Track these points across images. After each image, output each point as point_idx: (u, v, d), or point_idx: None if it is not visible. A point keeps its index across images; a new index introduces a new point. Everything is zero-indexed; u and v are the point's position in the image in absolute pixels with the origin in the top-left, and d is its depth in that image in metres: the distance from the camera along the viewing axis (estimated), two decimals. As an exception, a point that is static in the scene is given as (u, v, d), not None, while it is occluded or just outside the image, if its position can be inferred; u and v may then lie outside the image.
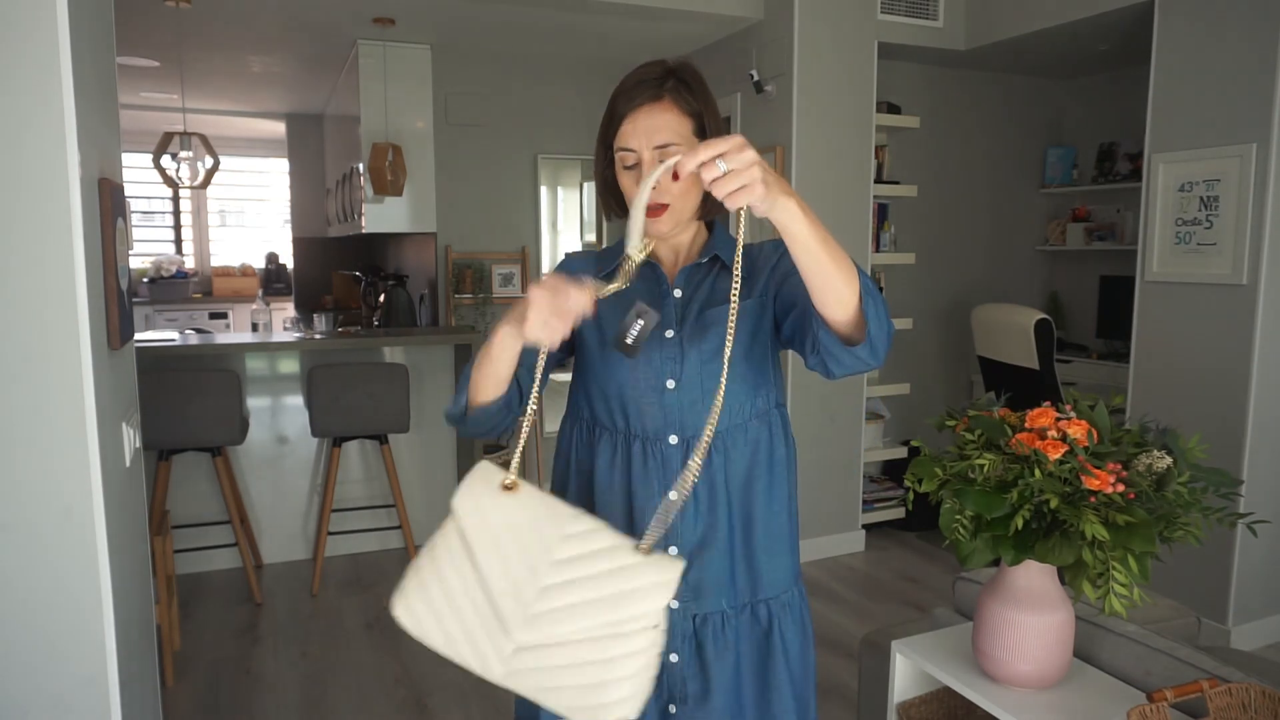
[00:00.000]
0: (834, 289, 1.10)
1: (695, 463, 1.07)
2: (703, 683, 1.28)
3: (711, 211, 1.32)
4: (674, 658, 1.27)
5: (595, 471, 1.31)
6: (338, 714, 2.84)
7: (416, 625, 1.08)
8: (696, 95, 1.27)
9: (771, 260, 1.32)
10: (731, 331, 1.08)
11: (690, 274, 1.34)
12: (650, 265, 1.33)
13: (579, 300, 1.05)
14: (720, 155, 0.98)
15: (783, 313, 1.29)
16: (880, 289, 4.46)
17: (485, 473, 1.10)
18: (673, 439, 1.27)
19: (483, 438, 1.41)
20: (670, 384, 1.27)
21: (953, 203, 4.99)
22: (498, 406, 1.24)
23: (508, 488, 1.09)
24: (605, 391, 1.29)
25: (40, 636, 1.54)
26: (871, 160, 4.20)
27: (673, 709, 1.28)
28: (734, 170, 0.98)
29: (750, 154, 0.99)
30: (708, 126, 1.27)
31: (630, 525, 1.27)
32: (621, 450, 1.29)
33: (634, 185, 1.26)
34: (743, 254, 1.17)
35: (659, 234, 1.28)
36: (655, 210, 1.25)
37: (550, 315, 1.03)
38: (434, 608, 1.07)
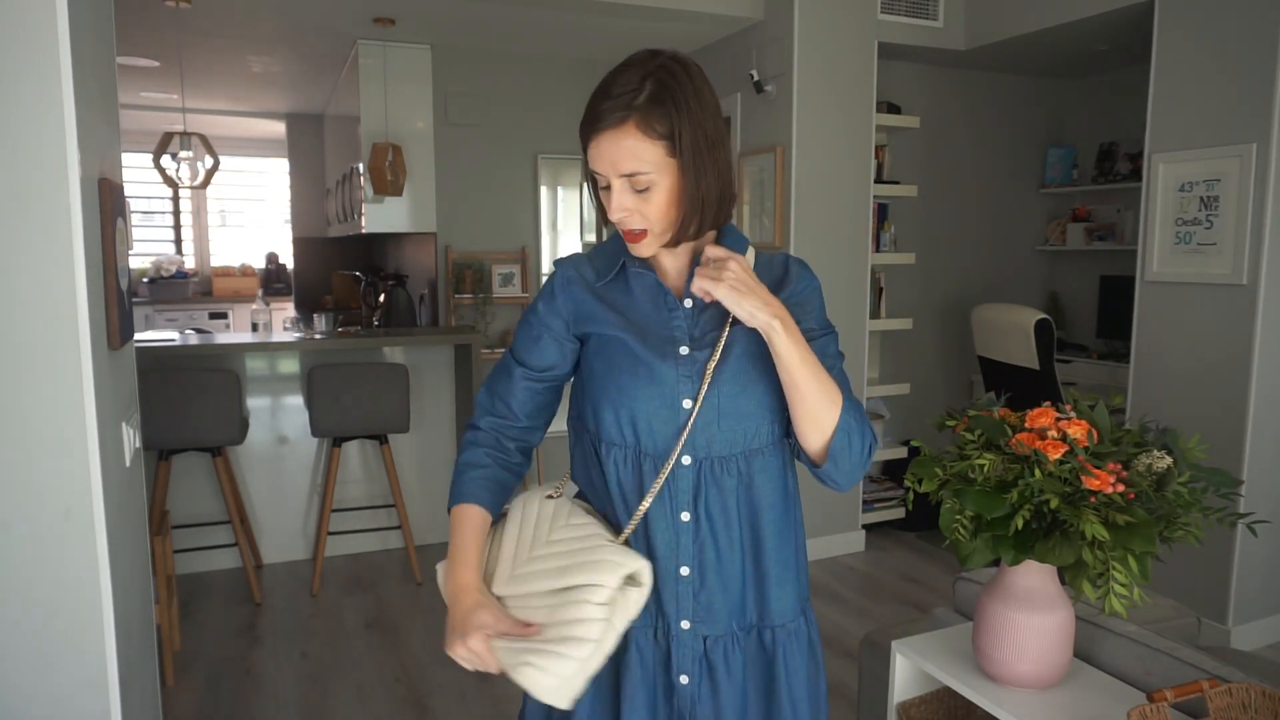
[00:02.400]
0: (811, 416, 1.18)
1: (661, 478, 1.20)
2: (714, 706, 1.25)
3: (703, 228, 1.22)
4: (684, 679, 1.25)
5: (607, 486, 1.26)
6: (338, 714, 2.84)
7: (441, 583, 1.26)
8: (672, 109, 1.14)
9: (796, 303, 1.25)
10: (720, 349, 1.20)
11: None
12: (655, 280, 1.26)
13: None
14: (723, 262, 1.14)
15: None
16: (881, 289, 4.46)
17: (540, 488, 1.32)
18: (686, 460, 1.22)
19: None
20: (686, 404, 1.21)
21: (953, 203, 4.99)
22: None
23: (550, 496, 1.28)
24: (615, 406, 1.23)
25: (40, 636, 1.54)
26: (871, 160, 4.20)
27: None
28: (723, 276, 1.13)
29: (738, 269, 1.13)
30: (684, 144, 1.15)
31: (646, 544, 1.23)
32: (632, 466, 1.24)
33: (608, 205, 1.19)
34: (765, 271, 1.27)
35: (641, 255, 1.23)
36: (634, 236, 1.20)
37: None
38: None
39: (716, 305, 1.22)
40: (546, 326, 1.29)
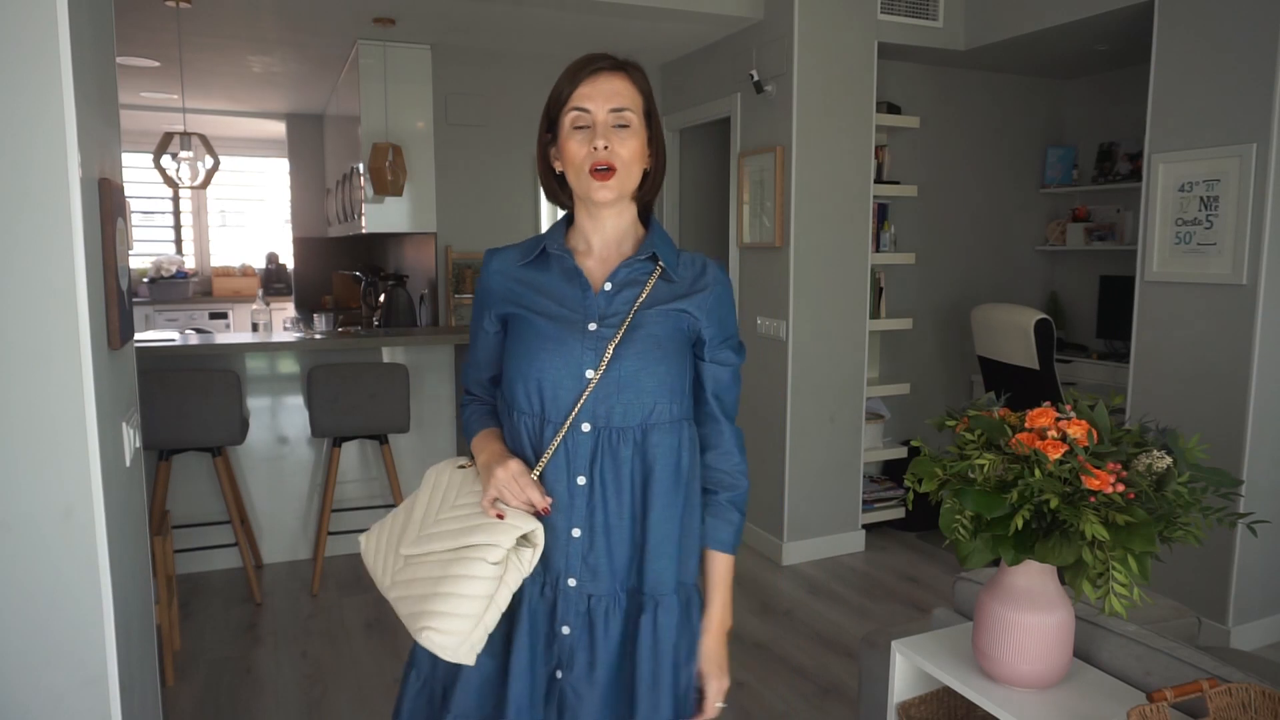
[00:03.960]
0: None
1: (558, 437, 1.30)
2: (589, 656, 1.34)
3: (649, 193, 1.39)
4: (565, 629, 1.34)
5: (521, 453, 1.36)
6: (338, 714, 2.84)
7: (367, 554, 1.42)
8: (647, 84, 1.37)
9: (709, 308, 1.38)
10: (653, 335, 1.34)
11: (628, 269, 1.37)
12: (572, 263, 1.37)
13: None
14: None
15: (695, 382, 1.41)
16: (881, 289, 4.47)
17: (453, 459, 1.44)
18: (585, 426, 1.31)
19: None
20: (589, 374, 1.31)
21: (953, 203, 4.99)
22: None
23: (461, 467, 1.41)
24: (525, 376, 1.33)
25: (40, 636, 1.54)
26: (871, 160, 4.20)
27: (559, 674, 1.34)
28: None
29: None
30: (653, 116, 1.37)
31: (568, 503, 1.33)
32: (532, 433, 1.34)
33: (579, 147, 1.31)
34: (686, 267, 1.39)
35: (602, 200, 1.32)
36: (602, 174, 1.30)
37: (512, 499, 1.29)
38: (375, 537, 1.43)
39: (628, 289, 1.36)
40: (485, 331, 1.44)
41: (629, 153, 1.31)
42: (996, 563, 1.51)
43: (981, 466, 1.41)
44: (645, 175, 1.37)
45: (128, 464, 1.81)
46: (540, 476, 1.32)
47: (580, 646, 1.34)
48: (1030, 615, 1.45)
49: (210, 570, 4.03)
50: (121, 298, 1.76)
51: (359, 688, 3.00)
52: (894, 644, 1.72)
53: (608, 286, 1.35)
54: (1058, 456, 1.35)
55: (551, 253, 1.38)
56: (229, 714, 2.84)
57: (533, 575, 1.32)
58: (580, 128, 1.32)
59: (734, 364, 1.41)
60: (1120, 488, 1.32)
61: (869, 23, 4.10)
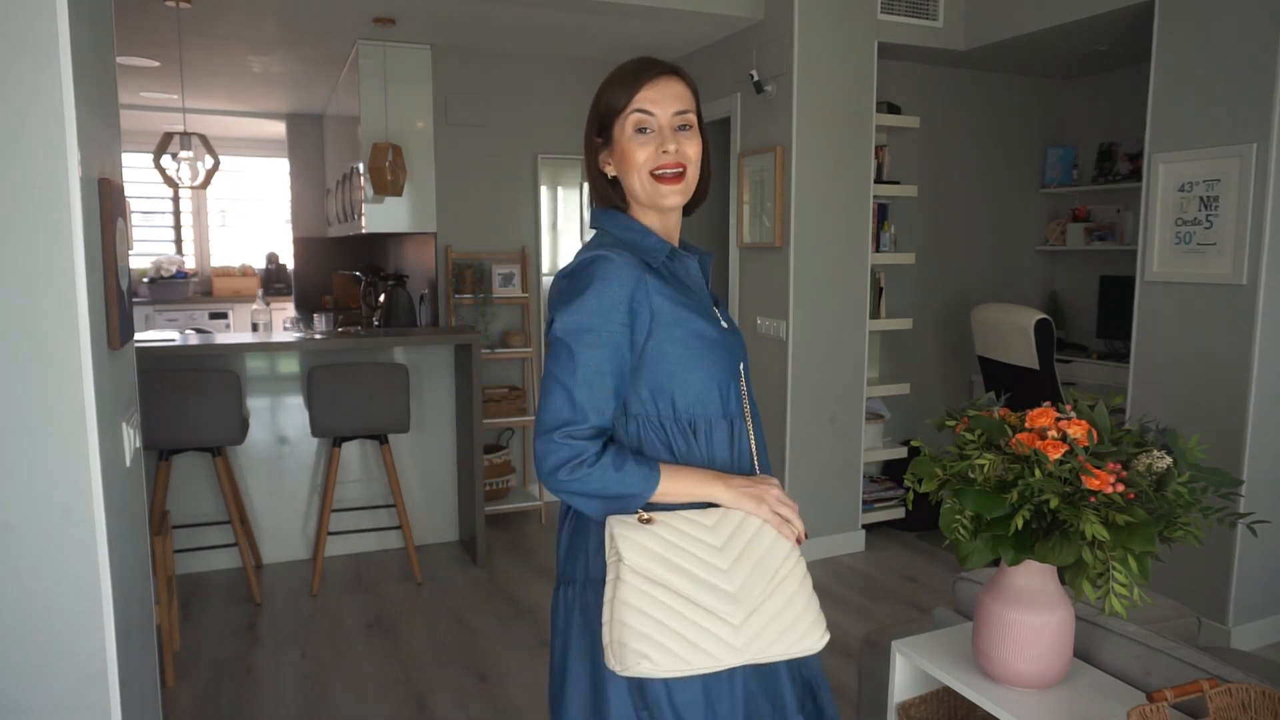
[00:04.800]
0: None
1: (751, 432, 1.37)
2: None
3: (699, 196, 1.42)
4: None
5: (712, 458, 1.33)
6: (338, 714, 2.84)
7: (654, 668, 1.18)
8: (695, 88, 1.40)
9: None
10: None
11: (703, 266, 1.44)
12: (693, 259, 1.40)
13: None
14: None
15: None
16: (881, 289, 4.47)
17: (622, 523, 1.24)
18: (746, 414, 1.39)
19: None
20: (741, 366, 1.39)
21: (953, 203, 4.99)
22: None
23: (645, 521, 1.24)
24: (720, 380, 1.33)
25: (40, 636, 1.54)
26: (871, 160, 4.20)
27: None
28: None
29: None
30: (702, 118, 1.39)
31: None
32: (725, 435, 1.35)
33: (643, 150, 1.31)
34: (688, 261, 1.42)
35: (671, 205, 1.34)
36: (672, 178, 1.32)
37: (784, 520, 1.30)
38: (656, 642, 1.18)
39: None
40: (628, 352, 1.26)
41: (695, 151, 1.34)
42: (996, 563, 1.51)
43: (981, 466, 1.41)
44: (702, 174, 1.40)
45: (128, 464, 1.81)
46: (760, 469, 1.40)
47: None
48: (1030, 615, 1.45)
49: (210, 570, 4.03)
50: (121, 298, 1.76)
51: (359, 688, 3.00)
52: (894, 644, 1.72)
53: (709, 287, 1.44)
54: (1058, 456, 1.35)
55: (679, 256, 1.37)
56: (229, 714, 2.84)
57: None
58: (643, 130, 1.32)
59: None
60: (1120, 488, 1.32)
61: (869, 23, 4.10)
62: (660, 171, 1.31)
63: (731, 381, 1.35)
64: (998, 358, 4.37)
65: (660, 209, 1.35)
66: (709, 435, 1.33)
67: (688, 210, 1.42)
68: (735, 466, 1.35)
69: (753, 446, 1.38)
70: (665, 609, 1.19)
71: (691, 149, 1.33)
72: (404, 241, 6.00)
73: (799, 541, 1.31)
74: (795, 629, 1.23)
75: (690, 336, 1.29)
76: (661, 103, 1.31)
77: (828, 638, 1.27)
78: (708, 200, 1.45)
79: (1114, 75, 4.91)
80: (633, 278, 1.26)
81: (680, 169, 1.32)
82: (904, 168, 4.75)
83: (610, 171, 1.37)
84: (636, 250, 1.32)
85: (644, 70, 1.33)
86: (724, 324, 1.38)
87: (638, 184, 1.32)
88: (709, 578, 1.22)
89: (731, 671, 1.27)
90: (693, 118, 1.34)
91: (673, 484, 1.26)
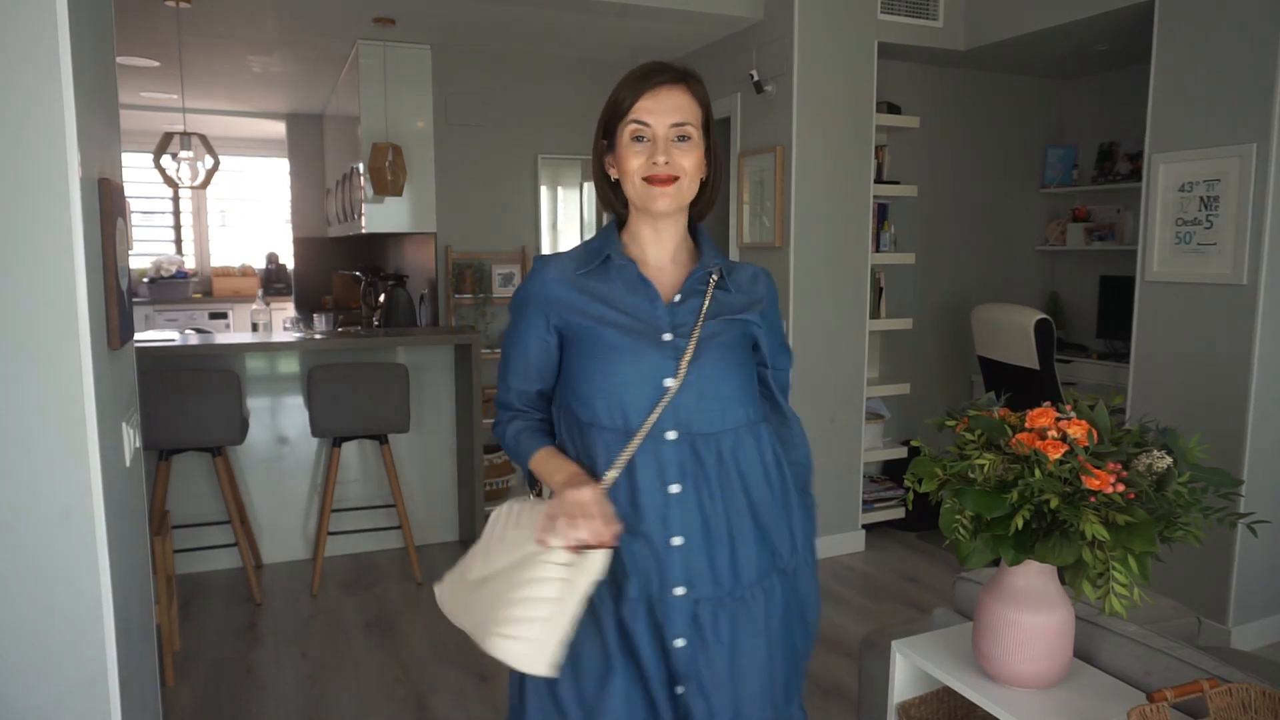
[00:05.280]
0: None
1: (633, 445, 1.30)
2: (706, 660, 1.33)
3: (704, 206, 1.42)
4: (680, 642, 1.32)
5: (596, 470, 1.34)
6: (338, 714, 2.84)
7: (442, 601, 1.42)
8: (706, 96, 1.39)
9: (766, 316, 1.45)
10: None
11: (693, 280, 1.39)
12: (638, 273, 1.38)
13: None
14: None
15: (766, 386, 1.48)
16: (881, 289, 4.47)
17: (520, 498, 1.43)
18: (671, 434, 1.32)
19: None
20: (668, 382, 1.32)
21: (953, 203, 4.99)
22: None
23: (538, 495, 1.42)
24: (604, 388, 1.33)
25: (40, 636, 1.54)
26: (871, 160, 4.20)
27: (679, 689, 1.34)
28: None
29: None
30: (710, 129, 1.38)
31: (637, 516, 1.32)
32: (612, 446, 1.33)
33: (637, 159, 1.32)
34: (739, 278, 1.42)
35: (661, 209, 1.34)
36: (664, 180, 1.32)
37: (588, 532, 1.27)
38: (447, 582, 1.42)
39: (692, 299, 1.36)
40: (538, 341, 1.41)
41: (691, 163, 1.34)
42: (996, 563, 1.51)
43: (981, 466, 1.41)
44: (702, 187, 1.39)
45: (128, 464, 1.81)
46: (634, 487, 1.32)
47: (697, 655, 1.33)
48: (1030, 615, 1.45)
49: (210, 570, 4.03)
50: (121, 298, 1.76)
51: (359, 688, 3.00)
52: (894, 644, 1.72)
53: (677, 298, 1.37)
54: (1058, 456, 1.35)
55: (615, 262, 1.38)
56: (229, 714, 2.84)
57: (635, 592, 1.31)
58: (639, 139, 1.33)
59: (788, 366, 1.50)
60: (1120, 488, 1.32)
61: (869, 23, 4.10)
62: (653, 176, 1.32)
63: (637, 393, 1.30)
64: (998, 358, 4.37)
65: (650, 212, 1.35)
66: (586, 439, 1.35)
67: (696, 218, 1.42)
68: (622, 480, 1.33)
69: (623, 466, 1.31)
70: (463, 561, 1.42)
71: (687, 160, 1.33)
72: (404, 241, 6.00)
73: (579, 549, 1.26)
74: (489, 623, 1.26)
75: (591, 341, 1.34)
76: (658, 113, 1.31)
77: (503, 649, 1.22)
78: (708, 200, 1.45)
79: (1114, 75, 4.91)
80: (540, 281, 1.39)
81: (671, 176, 1.32)
82: (904, 168, 4.75)
83: (614, 174, 1.39)
84: (584, 253, 1.41)
85: (647, 77, 1.33)
86: (667, 335, 1.33)
87: (631, 189, 1.35)
88: (488, 548, 1.37)
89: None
90: (691, 129, 1.33)
91: (540, 468, 1.39)
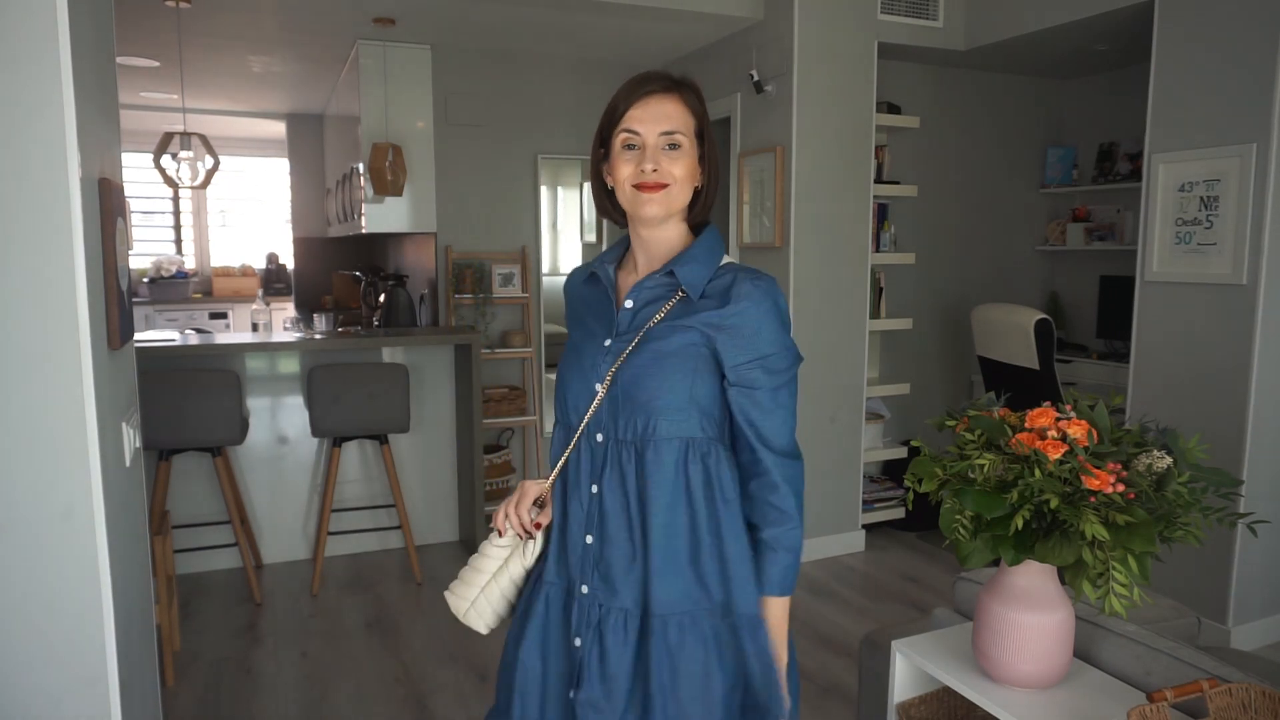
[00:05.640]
0: None
1: (572, 444, 1.38)
2: (601, 673, 1.32)
3: (699, 213, 1.40)
4: (578, 641, 1.35)
5: (555, 459, 1.44)
6: (338, 714, 2.84)
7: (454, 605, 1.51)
8: (701, 106, 1.38)
9: (730, 326, 1.30)
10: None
11: (649, 286, 1.36)
12: (608, 283, 1.43)
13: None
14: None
15: (732, 412, 1.37)
16: (881, 289, 4.47)
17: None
18: (599, 437, 1.36)
19: None
20: (597, 387, 1.35)
21: (953, 203, 4.99)
22: None
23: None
24: (558, 387, 1.43)
25: (40, 637, 1.54)
26: (871, 160, 4.20)
27: (572, 694, 1.34)
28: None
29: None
30: (706, 135, 1.38)
31: (565, 511, 1.41)
32: (561, 441, 1.42)
33: (627, 167, 1.33)
34: (717, 286, 1.33)
35: (649, 215, 1.34)
36: (652, 187, 1.32)
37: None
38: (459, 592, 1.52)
39: (650, 307, 1.35)
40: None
41: (681, 170, 1.33)
42: (996, 563, 1.51)
43: (981, 466, 1.41)
44: (697, 194, 1.38)
45: (128, 464, 1.82)
46: (564, 482, 1.41)
47: (592, 662, 1.31)
48: (1030, 615, 1.45)
49: (210, 570, 4.03)
50: (121, 298, 1.76)
51: (359, 688, 3.00)
52: (894, 644, 1.72)
53: (628, 304, 1.38)
54: (1058, 456, 1.35)
55: (594, 270, 1.45)
56: (229, 714, 2.84)
57: (555, 578, 1.41)
58: (630, 148, 1.33)
59: (763, 386, 1.32)
60: (1120, 488, 1.32)
61: (869, 23, 4.10)
62: (641, 184, 1.33)
63: (576, 394, 1.38)
64: (998, 358, 4.37)
65: (640, 218, 1.35)
66: (556, 433, 1.45)
67: (691, 224, 1.41)
68: (563, 472, 1.41)
69: (564, 458, 1.40)
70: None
71: (676, 168, 1.32)
72: (404, 241, 6.00)
73: (501, 533, 1.45)
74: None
75: (568, 345, 1.46)
76: (648, 122, 1.32)
77: (449, 602, 1.47)
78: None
79: (1114, 75, 4.91)
80: (566, 292, 1.53)
81: (660, 184, 1.32)
82: (904, 168, 4.75)
83: (610, 182, 1.39)
84: (586, 264, 1.51)
85: (638, 87, 1.34)
86: (607, 341, 1.36)
87: (623, 196, 1.36)
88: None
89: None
90: (681, 138, 1.32)
91: None
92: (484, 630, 1.47)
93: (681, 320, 1.32)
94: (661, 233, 1.37)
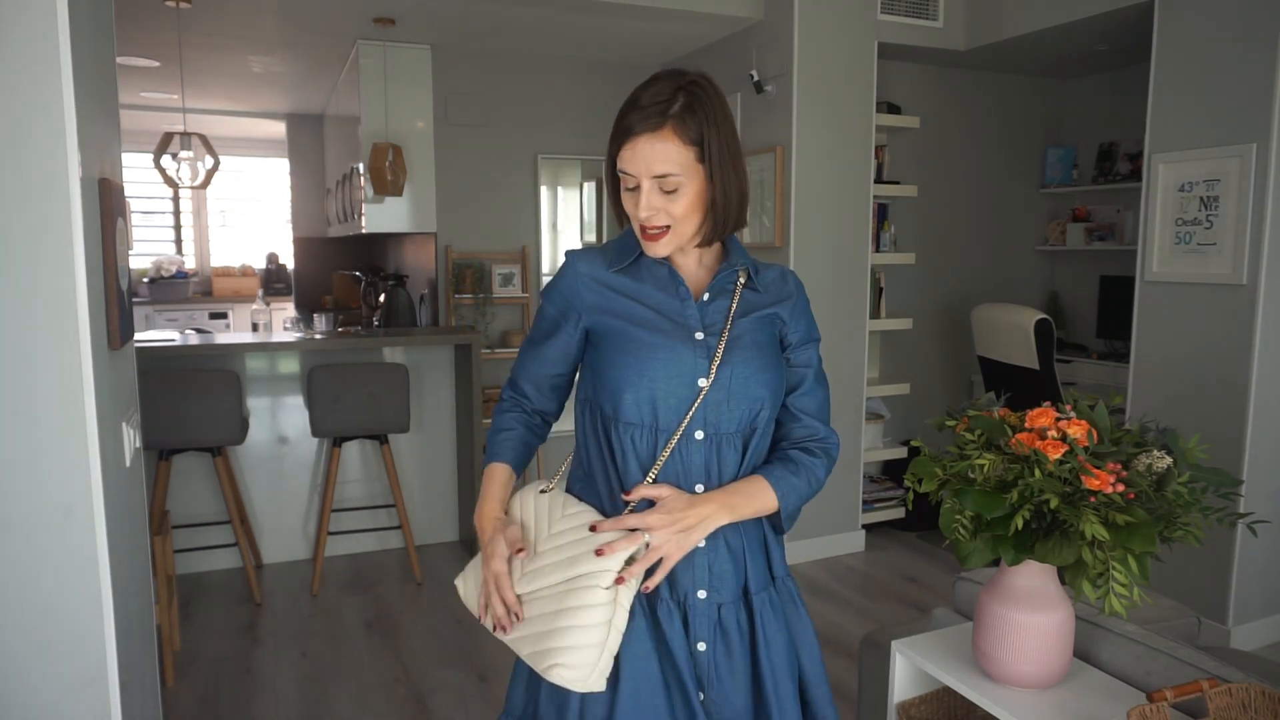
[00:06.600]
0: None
1: (670, 445, 1.30)
2: (729, 667, 1.33)
3: (715, 231, 1.34)
4: (701, 646, 1.32)
5: (626, 465, 1.32)
6: (338, 714, 2.84)
7: (468, 599, 1.40)
8: (703, 119, 1.26)
9: (796, 313, 1.42)
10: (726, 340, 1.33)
11: (721, 279, 1.38)
12: (669, 271, 1.36)
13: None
14: (649, 532, 1.24)
15: (789, 389, 1.42)
16: (881, 289, 4.47)
17: (534, 485, 1.42)
18: (699, 434, 1.31)
19: None
20: (702, 382, 1.31)
21: (953, 203, 4.99)
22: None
23: (543, 491, 1.39)
24: (635, 385, 1.30)
25: (40, 637, 1.54)
26: (871, 160, 4.20)
27: (701, 695, 1.33)
28: (655, 548, 1.25)
29: (667, 532, 1.25)
30: (712, 151, 1.27)
31: None
32: (640, 444, 1.32)
33: (633, 206, 1.30)
34: (766, 278, 1.41)
35: (655, 255, 1.34)
36: (654, 234, 1.31)
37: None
38: (470, 579, 1.40)
39: (721, 299, 1.36)
40: (564, 334, 1.40)
41: (680, 210, 1.28)
42: (996, 563, 1.51)
43: (981, 466, 1.41)
44: (712, 210, 1.31)
45: (128, 464, 1.82)
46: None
47: (720, 660, 1.33)
48: (1030, 615, 1.45)
49: (210, 570, 4.03)
50: (121, 298, 1.76)
51: (359, 687, 3.00)
52: (894, 644, 1.72)
53: (706, 296, 1.35)
54: (1058, 456, 1.35)
55: (647, 260, 1.37)
56: (229, 714, 2.84)
57: (659, 594, 1.31)
58: (631, 188, 1.30)
59: (815, 365, 1.44)
60: (1120, 488, 1.32)
61: (869, 23, 4.10)
62: (643, 228, 1.32)
63: (669, 391, 1.29)
64: (998, 358, 4.37)
65: (651, 255, 1.35)
66: (610, 434, 1.33)
67: (719, 235, 1.36)
68: (641, 478, 1.31)
69: (654, 465, 1.30)
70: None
71: (675, 207, 1.27)
72: (404, 241, 6.00)
73: (507, 629, 1.31)
74: (540, 647, 1.27)
75: (623, 339, 1.33)
76: (638, 163, 1.26)
77: (562, 678, 1.23)
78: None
79: (1114, 75, 4.91)
80: (573, 276, 1.38)
81: (660, 227, 1.30)
82: (904, 168, 4.75)
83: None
84: (616, 250, 1.39)
85: (631, 125, 1.26)
86: (699, 334, 1.32)
87: (635, 226, 1.35)
88: (524, 561, 1.33)
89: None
90: (676, 179, 1.26)
91: (485, 481, 1.40)
92: (604, 687, 1.25)
93: (757, 312, 1.37)
94: (684, 258, 1.39)
